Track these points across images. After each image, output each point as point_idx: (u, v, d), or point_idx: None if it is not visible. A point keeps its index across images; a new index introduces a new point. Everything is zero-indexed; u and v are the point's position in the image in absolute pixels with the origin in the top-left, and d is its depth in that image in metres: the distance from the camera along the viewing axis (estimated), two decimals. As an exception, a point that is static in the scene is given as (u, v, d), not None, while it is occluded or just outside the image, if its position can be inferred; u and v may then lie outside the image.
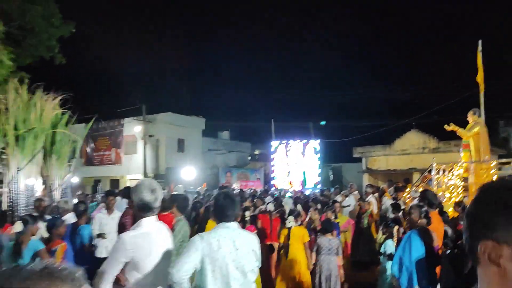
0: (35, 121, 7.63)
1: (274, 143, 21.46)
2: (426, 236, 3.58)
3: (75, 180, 10.13)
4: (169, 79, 50.98)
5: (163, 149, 28.80)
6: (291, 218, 6.26)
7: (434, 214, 4.06)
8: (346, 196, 10.79)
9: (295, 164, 20.89)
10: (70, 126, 10.39)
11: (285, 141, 21.28)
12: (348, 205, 10.19)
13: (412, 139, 20.03)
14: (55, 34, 16.82)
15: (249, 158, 34.95)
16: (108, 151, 31.49)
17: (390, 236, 5.82)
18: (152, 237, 2.69)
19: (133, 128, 28.51)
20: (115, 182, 30.89)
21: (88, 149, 32.40)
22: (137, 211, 2.75)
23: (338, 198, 10.84)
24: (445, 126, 9.73)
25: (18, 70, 16.22)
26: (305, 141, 21.12)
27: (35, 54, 17.14)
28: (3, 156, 7.37)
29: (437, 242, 3.74)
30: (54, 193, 9.77)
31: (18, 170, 7.26)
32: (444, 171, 10.04)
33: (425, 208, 3.82)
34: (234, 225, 2.81)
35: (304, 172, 20.82)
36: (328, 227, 6.20)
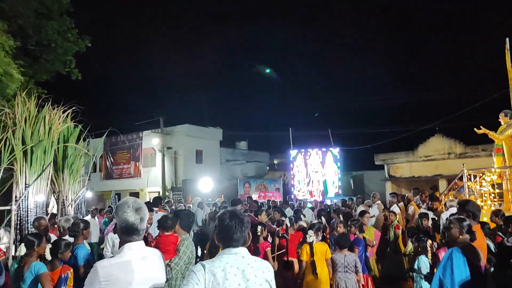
0: (44, 135, 7.37)
1: (292, 152, 20.99)
2: (471, 254, 3.06)
3: (89, 194, 9.85)
4: (186, 91, 51.21)
5: (181, 161, 28.67)
6: (310, 232, 5.77)
7: (477, 228, 3.52)
8: (369, 206, 10.21)
9: (315, 173, 20.35)
10: (90, 140, 10.16)
11: (304, 150, 20.78)
12: (373, 216, 9.62)
13: (437, 144, 19.27)
14: (71, 49, 16.94)
15: (268, 167, 34.51)
16: (127, 165, 31.56)
17: (424, 251, 5.27)
18: (134, 267, 2.25)
19: (151, 141, 28.50)
20: (134, 195, 30.85)
21: (108, 163, 32.58)
22: (120, 234, 2.34)
23: (361, 208, 10.27)
24: (476, 130, 9.12)
25: (35, 85, 16.37)
26: (324, 149, 20.57)
27: (51, 69, 17.26)
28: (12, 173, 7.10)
29: (484, 261, 3.22)
30: (68, 209, 9.53)
31: (26, 187, 6.98)
32: (475, 177, 9.40)
33: (467, 222, 3.29)
34: (243, 251, 2.32)
35: (324, 182, 20.24)
36: (343, 242, 5.68)
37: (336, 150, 20.50)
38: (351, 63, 55.07)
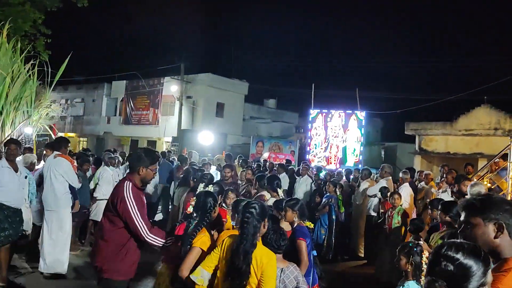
0: None
1: (312, 112, 18.52)
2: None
3: (29, 130, 8.19)
4: (213, 40, 48.81)
5: (200, 112, 26.90)
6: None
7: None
8: (376, 181, 7.92)
9: (335, 138, 17.91)
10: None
11: (326, 110, 18.26)
12: (374, 195, 7.34)
13: (482, 116, 16.17)
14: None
15: (301, 129, 31.91)
16: (146, 111, 30.33)
17: (415, 271, 2.88)
18: None
19: (171, 88, 26.74)
20: (151, 144, 29.76)
21: (128, 108, 31.44)
22: None
23: (365, 184, 7.99)
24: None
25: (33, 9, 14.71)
26: (349, 111, 17.97)
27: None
28: None
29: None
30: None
31: None
32: (523, 158, 6.89)
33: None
34: None
35: (344, 148, 17.81)
36: (276, 241, 3.05)
37: (362, 114, 17.84)
38: (387, 19, 50.33)
